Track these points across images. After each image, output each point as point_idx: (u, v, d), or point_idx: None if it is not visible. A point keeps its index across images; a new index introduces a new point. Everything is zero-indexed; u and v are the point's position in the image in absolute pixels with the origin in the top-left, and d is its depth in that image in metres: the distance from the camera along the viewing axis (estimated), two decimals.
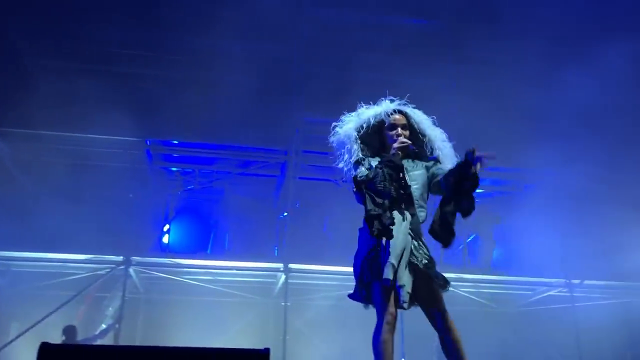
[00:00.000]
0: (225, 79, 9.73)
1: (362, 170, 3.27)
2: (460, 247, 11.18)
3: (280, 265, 9.26)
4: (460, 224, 3.21)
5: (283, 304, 9.07)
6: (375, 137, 3.53)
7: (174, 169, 10.79)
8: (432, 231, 3.19)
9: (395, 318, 3.06)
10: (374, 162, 3.36)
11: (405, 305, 3.06)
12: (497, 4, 9.98)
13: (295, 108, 9.93)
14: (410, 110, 3.56)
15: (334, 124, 3.62)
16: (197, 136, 9.80)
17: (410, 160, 3.44)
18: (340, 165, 3.46)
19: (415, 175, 3.39)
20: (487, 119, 9.02)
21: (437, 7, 10.46)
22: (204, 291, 9.77)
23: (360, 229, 3.37)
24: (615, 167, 9.22)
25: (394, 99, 3.57)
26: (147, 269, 9.39)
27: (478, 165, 3.09)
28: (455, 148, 3.53)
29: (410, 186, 3.32)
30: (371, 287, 3.14)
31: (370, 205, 3.11)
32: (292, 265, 9.18)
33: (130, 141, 9.65)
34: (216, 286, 9.80)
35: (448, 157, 3.47)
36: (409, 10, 10.54)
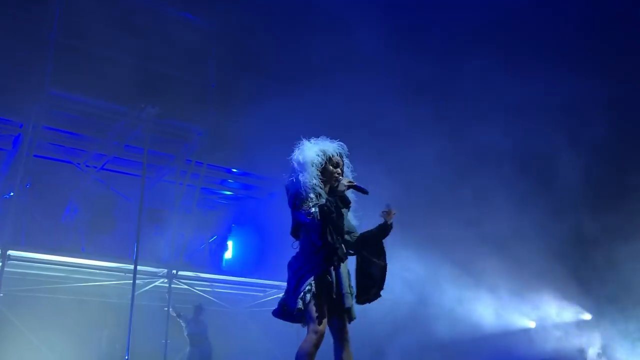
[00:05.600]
0: None
1: (314, 199, 3.36)
2: (202, 247, 11.34)
3: None
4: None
5: None
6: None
7: None
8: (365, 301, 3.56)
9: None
10: (321, 192, 3.46)
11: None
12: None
13: (41, 78, 8.88)
14: (345, 157, 3.71)
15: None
16: None
17: None
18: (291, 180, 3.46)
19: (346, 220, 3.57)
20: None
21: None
22: None
23: (297, 253, 3.52)
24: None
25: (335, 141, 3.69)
26: None
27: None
28: None
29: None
30: (317, 305, 3.29)
31: (330, 238, 3.33)
32: (11, 252, 8.18)
33: None
34: None
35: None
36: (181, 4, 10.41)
